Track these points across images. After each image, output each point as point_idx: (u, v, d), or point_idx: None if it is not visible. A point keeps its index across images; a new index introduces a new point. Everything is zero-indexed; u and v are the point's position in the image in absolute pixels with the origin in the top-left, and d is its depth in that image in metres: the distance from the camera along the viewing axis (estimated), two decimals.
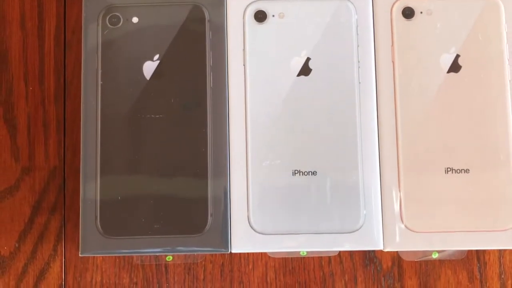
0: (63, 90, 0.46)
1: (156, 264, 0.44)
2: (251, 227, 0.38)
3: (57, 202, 0.45)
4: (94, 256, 0.43)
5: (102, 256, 0.43)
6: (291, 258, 0.44)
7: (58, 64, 0.46)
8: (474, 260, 0.44)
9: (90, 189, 0.39)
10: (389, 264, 0.44)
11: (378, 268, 0.44)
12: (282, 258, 0.44)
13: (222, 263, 0.44)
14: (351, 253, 0.44)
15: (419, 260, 0.43)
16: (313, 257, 0.44)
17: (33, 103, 0.45)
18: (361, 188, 0.38)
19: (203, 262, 0.44)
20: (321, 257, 0.44)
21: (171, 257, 0.42)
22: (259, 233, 0.38)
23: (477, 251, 0.43)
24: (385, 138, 0.39)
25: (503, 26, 0.39)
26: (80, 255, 0.39)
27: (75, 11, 0.46)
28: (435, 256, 0.41)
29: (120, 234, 0.38)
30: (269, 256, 0.44)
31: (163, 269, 0.44)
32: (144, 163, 0.39)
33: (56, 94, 0.46)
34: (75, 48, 0.46)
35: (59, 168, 0.45)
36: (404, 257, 0.43)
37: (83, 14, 0.40)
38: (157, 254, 0.39)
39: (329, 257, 0.44)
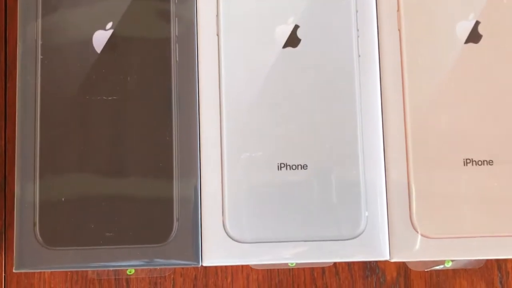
0: (4, 69, 0.39)
1: (115, 279, 0.37)
2: (227, 234, 0.31)
3: None
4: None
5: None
6: (278, 269, 0.37)
7: None
8: (494, 270, 0.37)
9: (28, 189, 0.31)
10: (394, 275, 0.38)
11: (381, 279, 0.37)
12: (267, 269, 0.37)
13: (195, 276, 0.38)
14: (348, 263, 0.37)
15: (429, 270, 0.37)
16: (303, 268, 0.37)
17: None
18: (362, 184, 0.31)
19: (172, 275, 0.38)
20: (313, 268, 0.37)
21: (133, 270, 0.35)
22: (237, 241, 0.31)
23: (497, 258, 0.37)
24: (390, 123, 0.32)
25: None
26: (14, 270, 0.32)
27: None
28: (448, 264, 0.35)
29: (64, 244, 0.31)
30: (251, 268, 0.37)
31: (124, 284, 0.37)
32: (94, 157, 0.32)
33: None
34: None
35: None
36: (411, 267, 0.37)
37: None
38: (111, 268, 0.33)
39: (323, 268, 0.37)
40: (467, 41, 0.33)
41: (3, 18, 0.39)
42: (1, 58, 0.39)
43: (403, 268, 0.37)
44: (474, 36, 0.33)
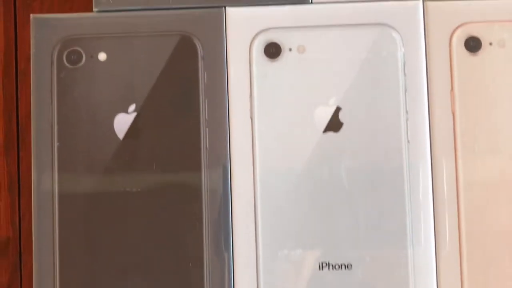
0: (16, 137, 0.36)
1: None
2: None
3: (11, 285, 0.36)
4: None
5: None
6: None
7: (8, 102, 0.36)
8: None
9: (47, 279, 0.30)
10: None
11: None
12: None
13: None
14: None
15: None
16: None
17: None
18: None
19: None
20: None
21: None
22: None
23: None
24: (443, 218, 0.29)
25: None
26: None
27: (29, 32, 0.36)
28: None
29: None
30: None
31: None
32: (115, 253, 0.29)
33: (7, 143, 0.36)
34: (30, 81, 0.36)
35: (14, 239, 0.36)
36: None
37: (32, 49, 0.30)
38: None
39: None
40: None
41: (15, 82, 0.37)
42: (13, 125, 0.36)
43: None
44: None
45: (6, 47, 0.37)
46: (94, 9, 0.31)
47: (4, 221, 0.37)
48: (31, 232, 0.36)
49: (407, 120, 0.30)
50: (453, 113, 0.30)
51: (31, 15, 0.31)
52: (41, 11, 0.36)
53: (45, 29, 0.30)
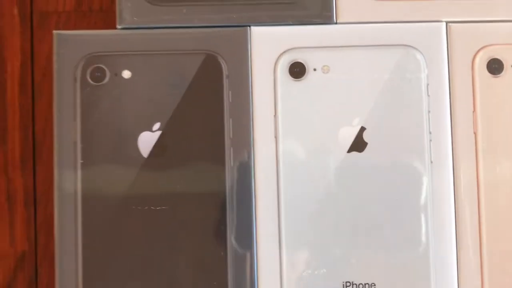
0: (32, 151, 0.36)
1: None
2: None
3: None
4: None
5: None
6: None
7: (24, 116, 0.36)
8: None
9: None
10: None
11: None
12: None
13: None
14: None
15: None
16: None
17: None
18: None
19: None
20: None
21: None
22: None
23: None
24: (464, 240, 0.29)
25: None
26: None
27: (45, 46, 0.36)
28: None
29: None
30: None
31: None
32: (140, 275, 0.30)
33: (23, 157, 0.36)
34: (46, 95, 0.36)
35: (30, 253, 0.35)
36: None
37: (55, 66, 0.30)
38: None
39: None
40: None
41: (31, 96, 0.36)
42: (29, 139, 0.36)
43: None
44: None
45: (22, 61, 0.37)
46: (118, 26, 0.31)
47: (20, 236, 0.37)
48: (47, 247, 0.36)
49: (430, 140, 0.30)
50: (475, 134, 0.30)
51: (54, 32, 0.31)
52: (57, 26, 0.36)
53: (69, 45, 0.30)
